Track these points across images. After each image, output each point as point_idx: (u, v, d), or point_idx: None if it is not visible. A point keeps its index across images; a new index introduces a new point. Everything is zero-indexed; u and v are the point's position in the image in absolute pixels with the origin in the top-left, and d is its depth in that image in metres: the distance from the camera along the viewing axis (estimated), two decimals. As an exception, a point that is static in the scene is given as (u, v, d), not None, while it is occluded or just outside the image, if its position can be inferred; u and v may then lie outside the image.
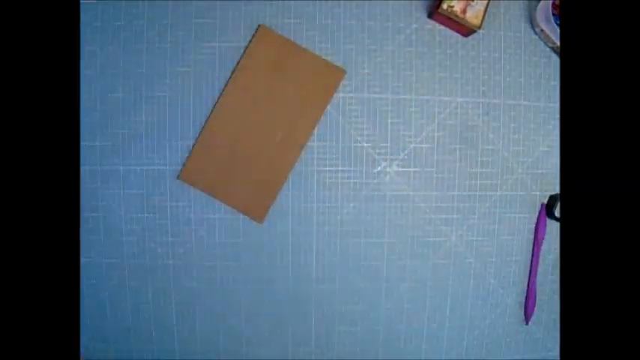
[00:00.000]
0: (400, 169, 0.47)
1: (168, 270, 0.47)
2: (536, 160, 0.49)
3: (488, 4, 0.44)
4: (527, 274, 0.50)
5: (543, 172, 0.49)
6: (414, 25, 0.47)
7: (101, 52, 0.45)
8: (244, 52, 0.44)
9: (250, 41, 0.44)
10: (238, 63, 0.44)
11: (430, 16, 0.46)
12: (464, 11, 0.44)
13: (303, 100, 0.45)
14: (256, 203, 0.46)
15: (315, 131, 0.46)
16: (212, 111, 0.45)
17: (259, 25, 0.44)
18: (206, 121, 0.45)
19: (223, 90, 0.45)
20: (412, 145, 0.47)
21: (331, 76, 0.45)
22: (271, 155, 0.46)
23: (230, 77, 0.45)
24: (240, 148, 0.45)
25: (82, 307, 0.46)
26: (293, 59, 0.45)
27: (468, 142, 0.48)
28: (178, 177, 0.45)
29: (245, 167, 0.46)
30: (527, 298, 0.50)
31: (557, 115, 0.49)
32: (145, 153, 0.46)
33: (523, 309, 0.50)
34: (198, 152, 0.45)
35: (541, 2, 0.46)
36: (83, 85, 0.45)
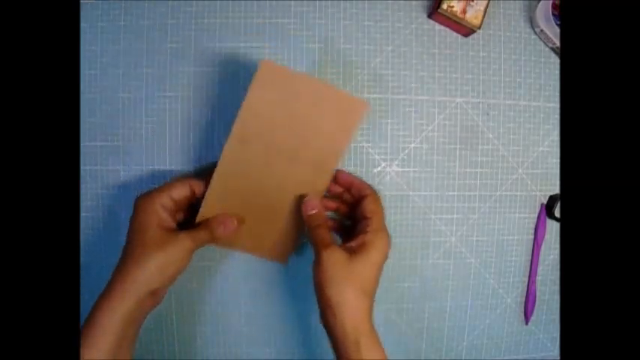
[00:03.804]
0: (400, 170, 0.47)
1: (168, 270, 0.47)
2: (536, 160, 0.49)
3: (488, 4, 0.45)
4: (527, 274, 0.50)
5: (543, 172, 0.49)
6: (413, 26, 0.47)
7: (103, 52, 0.45)
8: (249, 89, 0.38)
9: (253, 79, 0.37)
10: (244, 101, 0.38)
11: (430, 16, 0.46)
12: (464, 11, 0.44)
13: (321, 142, 0.40)
14: (280, 249, 0.44)
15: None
16: (223, 153, 0.39)
17: (260, 62, 0.37)
18: (218, 164, 0.40)
19: (232, 135, 0.39)
20: (412, 146, 0.47)
21: (352, 110, 0.40)
22: (294, 200, 0.42)
23: (238, 118, 0.38)
24: (258, 194, 0.41)
25: (82, 307, 0.46)
26: (306, 94, 0.38)
27: (467, 142, 0.48)
28: (196, 221, 0.41)
29: (266, 215, 0.42)
30: (527, 298, 0.50)
31: (557, 115, 0.49)
32: (146, 153, 0.46)
33: (523, 309, 0.50)
34: (212, 200, 0.40)
35: (541, 2, 0.46)
36: (85, 85, 0.45)
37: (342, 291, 0.35)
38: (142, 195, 0.38)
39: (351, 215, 0.43)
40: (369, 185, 0.42)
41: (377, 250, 0.37)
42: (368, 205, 0.40)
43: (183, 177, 0.43)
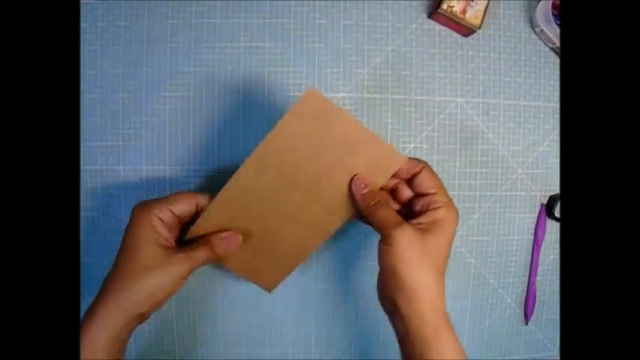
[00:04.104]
0: (400, 169, 0.47)
1: (168, 270, 0.47)
2: (536, 160, 0.49)
3: (488, 4, 0.45)
4: (527, 274, 0.50)
5: (543, 172, 0.49)
6: (413, 25, 0.47)
7: (102, 52, 0.45)
8: (286, 114, 0.34)
9: (293, 106, 0.34)
10: (275, 125, 0.35)
11: (430, 16, 0.46)
12: (464, 11, 0.44)
13: (344, 186, 0.37)
14: (271, 277, 0.42)
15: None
16: (237, 173, 0.36)
17: (306, 90, 0.34)
18: (228, 181, 0.37)
19: (252, 156, 0.36)
20: (412, 145, 0.47)
21: (387, 161, 0.36)
22: (298, 236, 0.39)
23: (264, 140, 0.35)
24: (262, 220, 0.39)
25: (82, 308, 0.46)
26: (343, 133, 0.35)
27: (467, 142, 0.48)
28: (186, 237, 0.39)
29: (265, 242, 0.40)
30: (527, 298, 0.50)
31: (557, 115, 0.49)
32: (146, 153, 0.46)
33: (523, 309, 0.50)
34: (211, 216, 0.38)
35: (541, 2, 0.46)
36: (84, 85, 0.45)
37: (420, 274, 0.32)
38: (141, 204, 0.36)
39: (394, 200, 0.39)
40: (417, 160, 0.37)
41: (449, 227, 0.35)
42: (425, 181, 0.36)
43: (189, 191, 0.40)
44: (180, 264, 0.35)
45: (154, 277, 0.34)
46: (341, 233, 0.47)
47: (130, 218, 0.36)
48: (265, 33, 0.46)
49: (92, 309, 0.34)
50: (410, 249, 0.32)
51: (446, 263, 0.35)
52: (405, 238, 0.33)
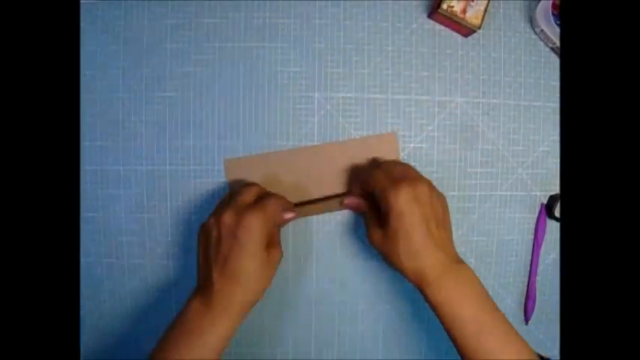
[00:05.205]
0: (400, 169, 0.47)
1: (168, 270, 0.47)
2: (536, 160, 0.49)
3: (488, 4, 0.45)
4: (527, 274, 0.50)
5: (543, 172, 0.49)
6: (414, 25, 0.47)
7: (102, 52, 0.45)
8: None
9: None
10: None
11: (430, 16, 0.47)
12: (464, 11, 0.44)
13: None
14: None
15: (316, 131, 0.46)
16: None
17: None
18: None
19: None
20: (412, 145, 0.47)
21: (385, 144, 0.47)
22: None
23: None
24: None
25: (82, 307, 0.46)
26: (333, 158, 0.46)
27: (467, 142, 0.48)
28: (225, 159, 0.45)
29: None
30: (527, 298, 0.50)
31: (557, 115, 0.49)
32: (145, 153, 0.46)
33: (523, 309, 0.50)
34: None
35: (541, 2, 0.46)
36: (84, 85, 0.45)
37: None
38: (255, 218, 0.37)
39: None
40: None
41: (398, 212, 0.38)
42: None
43: (277, 197, 0.41)
44: (278, 257, 0.40)
45: (268, 282, 0.39)
46: (342, 234, 0.47)
47: (245, 228, 0.37)
48: (265, 33, 0.46)
49: (207, 320, 0.38)
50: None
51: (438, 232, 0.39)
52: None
